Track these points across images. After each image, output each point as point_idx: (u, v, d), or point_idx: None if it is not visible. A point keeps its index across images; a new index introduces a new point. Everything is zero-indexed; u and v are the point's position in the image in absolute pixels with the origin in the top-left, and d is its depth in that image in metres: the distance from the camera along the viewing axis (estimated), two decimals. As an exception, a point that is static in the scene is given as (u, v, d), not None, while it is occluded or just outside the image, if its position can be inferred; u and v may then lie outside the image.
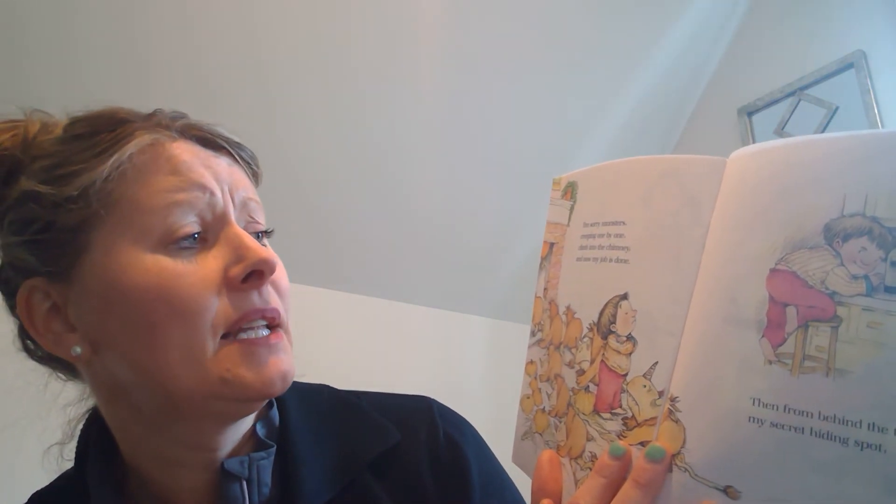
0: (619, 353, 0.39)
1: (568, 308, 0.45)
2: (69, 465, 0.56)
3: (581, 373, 0.42)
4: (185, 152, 0.50)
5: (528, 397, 0.49)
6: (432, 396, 0.64)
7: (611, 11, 1.78)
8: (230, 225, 0.50)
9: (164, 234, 0.47)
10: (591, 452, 0.40)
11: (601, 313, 0.41)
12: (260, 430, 0.55)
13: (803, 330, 0.31)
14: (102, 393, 0.52)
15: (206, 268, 0.47)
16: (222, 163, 0.52)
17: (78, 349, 0.49)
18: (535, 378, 0.48)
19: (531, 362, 0.49)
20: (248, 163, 0.55)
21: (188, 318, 0.46)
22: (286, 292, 0.53)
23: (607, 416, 0.39)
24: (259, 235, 0.54)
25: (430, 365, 2.03)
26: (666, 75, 1.97)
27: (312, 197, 1.71)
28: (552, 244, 0.48)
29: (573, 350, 0.43)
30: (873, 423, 0.28)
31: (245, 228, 0.52)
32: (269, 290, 0.50)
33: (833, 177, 0.31)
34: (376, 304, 1.97)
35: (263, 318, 0.49)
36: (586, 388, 0.41)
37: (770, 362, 0.31)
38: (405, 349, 2.01)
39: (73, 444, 0.56)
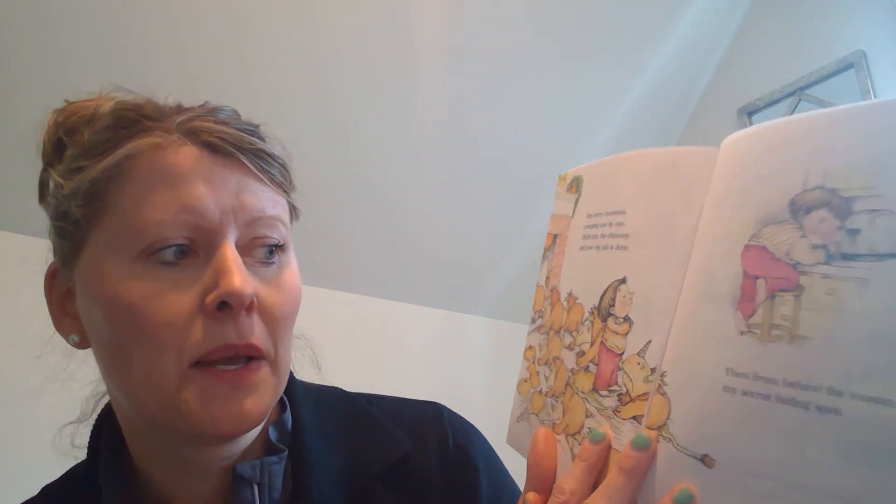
0: (616, 333, 0.41)
1: (570, 294, 0.47)
2: (79, 451, 0.56)
3: (581, 354, 0.44)
4: (186, 162, 0.46)
5: (526, 381, 0.51)
6: (432, 396, 0.65)
7: (611, 12, 1.77)
8: (221, 246, 0.46)
9: (146, 248, 0.45)
10: (588, 428, 0.42)
11: (602, 297, 0.43)
12: (272, 434, 0.54)
13: (771, 300, 0.32)
14: (104, 384, 0.53)
15: (183, 289, 0.45)
16: (231, 175, 0.48)
17: (76, 338, 0.50)
18: (534, 362, 0.50)
19: (530, 347, 0.51)
20: (271, 172, 0.50)
21: (153, 341, 0.44)
22: (282, 320, 0.49)
23: (605, 393, 0.41)
24: (272, 250, 0.49)
25: (429, 365, 2.04)
26: (666, 75, 1.95)
27: (310, 195, 1.70)
28: (556, 235, 0.51)
29: (574, 333, 0.45)
30: (832, 387, 0.29)
31: (250, 244, 0.48)
32: (250, 321, 0.46)
33: (797, 155, 0.32)
34: (376, 304, 1.98)
35: (237, 354, 0.46)
36: (586, 369, 0.43)
37: (742, 333, 0.33)
38: (405, 349, 2.02)
39: (87, 426, 0.56)
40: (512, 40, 1.74)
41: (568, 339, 0.46)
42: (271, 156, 0.51)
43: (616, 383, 0.40)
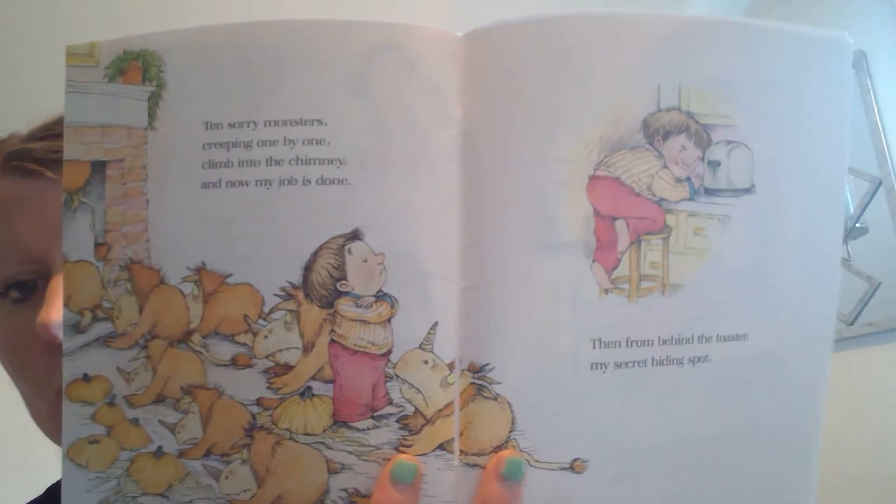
0: (365, 322, 0.24)
1: (202, 269, 0.25)
2: None
3: (284, 370, 0.24)
4: (6, 196, 0.43)
5: (99, 441, 0.26)
6: None
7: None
8: (52, 275, 0.40)
9: None
10: (344, 491, 0.24)
11: (310, 267, 0.24)
12: None
13: (637, 246, 0.26)
14: None
15: (30, 324, 0.40)
16: (51, 194, 0.41)
17: None
18: (112, 403, 0.26)
19: (87, 380, 0.26)
20: None
21: (20, 380, 0.43)
22: None
23: (367, 424, 0.24)
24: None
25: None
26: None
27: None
28: (105, 164, 0.26)
29: (244, 337, 0.25)
30: (701, 335, 0.27)
31: None
32: None
33: (644, 62, 0.26)
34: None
35: None
36: (303, 394, 0.24)
37: (606, 291, 0.25)
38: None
39: None
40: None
41: (227, 351, 0.24)
42: None
43: (390, 403, 0.24)
